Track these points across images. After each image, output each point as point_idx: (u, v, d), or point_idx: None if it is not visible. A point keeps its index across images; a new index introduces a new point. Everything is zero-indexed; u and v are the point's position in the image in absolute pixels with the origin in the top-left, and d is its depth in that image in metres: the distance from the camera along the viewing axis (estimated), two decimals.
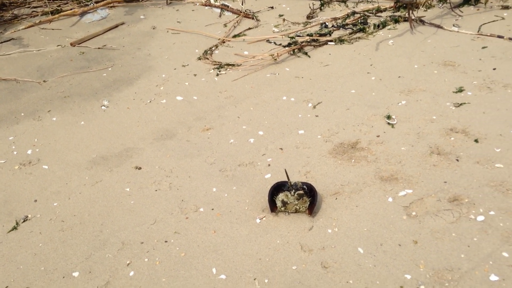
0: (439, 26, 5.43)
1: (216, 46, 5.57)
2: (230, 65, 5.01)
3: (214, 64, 5.06)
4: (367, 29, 5.57)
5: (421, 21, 5.58)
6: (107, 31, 6.31)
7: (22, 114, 4.32)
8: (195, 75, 4.88)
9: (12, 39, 6.09)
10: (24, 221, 3.00)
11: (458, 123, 3.57)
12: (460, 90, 4.01)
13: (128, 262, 2.63)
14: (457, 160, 3.18)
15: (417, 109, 3.83)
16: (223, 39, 5.71)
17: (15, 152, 3.73)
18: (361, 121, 3.75)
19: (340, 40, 5.36)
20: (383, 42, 5.23)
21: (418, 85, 4.19)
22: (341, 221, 2.79)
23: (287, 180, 2.92)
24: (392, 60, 4.75)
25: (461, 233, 2.61)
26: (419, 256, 2.50)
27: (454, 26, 5.41)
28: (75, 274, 2.58)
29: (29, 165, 3.57)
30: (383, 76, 4.44)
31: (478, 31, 5.18)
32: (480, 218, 2.69)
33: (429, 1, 6.04)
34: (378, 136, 3.54)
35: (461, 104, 3.81)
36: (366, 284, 2.37)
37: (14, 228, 2.95)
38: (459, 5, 5.95)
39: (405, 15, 5.77)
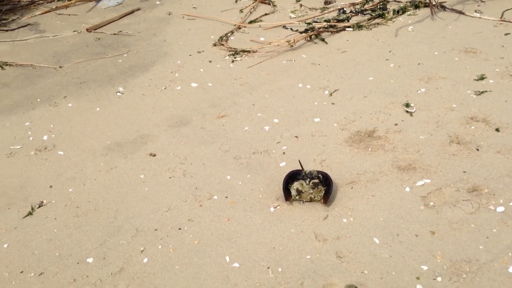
0: (460, 12, 5.28)
1: (232, 32, 5.50)
2: (246, 51, 4.95)
3: (230, 51, 5.01)
4: (386, 15, 5.45)
5: (442, 6, 5.43)
6: (122, 17, 6.29)
7: (38, 99, 4.34)
8: (210, 61, 4.84)
9: (28, 24, 6.11)
10: (39, 207, 3.02)
11: (479, 111, 3.48)
12: (482, 78, 3.90)
13: (142, 249, 2.63)
14: (477, 149, 3.10)
15: (437, 97, 3.73)
16: (239, 25, 5.64)
17: (31, 138, 3.75)
18: (378, 109, 3.67)
19: (358, 26, 5.26)
20: (403, 28, 5.11)
21: (438, 73, 4.09)
22: (357, 210, 2.74)
23: (301, 168, 2.88)
24: (411, 47, 4.64)
25: (480, 224, 2.55)
26: (436, 247, 2.45)
27: (476, 12, 5.26)
28: (89, 260, 2.59)
29: (45, 151, 3.58)
30: (402, 63, 4.35)
31: (501, 17, 5.02)
32: (500, 209, 2.62)
33: None
34: (396, 124, 3.46)
35: (482, 92, 3.71)
36: (382, 274, 2.33)
37: (30, 213, 2.97)
38: None
39: (425, 0, 5.61)
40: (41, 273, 2.52)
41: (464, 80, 3.92)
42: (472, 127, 3.32)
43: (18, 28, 6.01)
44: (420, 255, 2.41)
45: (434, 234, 2.52)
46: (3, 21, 6.19)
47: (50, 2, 6.85)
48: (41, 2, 6.84)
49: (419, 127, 3.40)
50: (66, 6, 6.61)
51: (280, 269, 2.42)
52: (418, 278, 2.30)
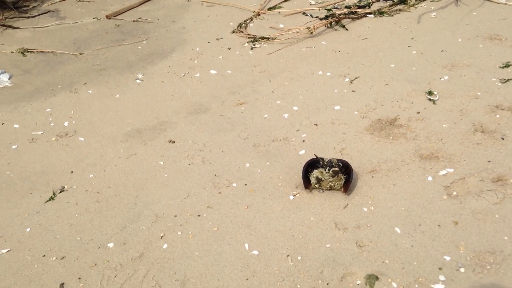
0: None
1: (251, 19, 5.46)
2: (265, 38, 4.90)
3: (249, 38, 4.96)
4: (408, 1, 5.33)
5: None
6: (142, 3, 6.29)
7: (59, 86, 4.37)
8: (229, 48, 4.81)
9: (49, 11, 6.15)
10: (61, 192, 3.05)
11: (504, 99, 3.39)
12: (507, 65, 3.80)
13: (161, 235, 2.64)
14: (503, 138, 3.03)
15: (461, 84, 3.65)
16: (258, 12, 5.59)
17: (52, 124, 3.79)
18: (400, 96, 3.61)
19: (380, 13, 5.16)
20: (426, 14, 4.99)
21: (462, 60, 3.99)
22: (378, 199, 2.71)
23: (319, 158, 2.85)
24: (434, 34, 4.54)
25: (504, 215, 2.49)
26: (460, 237, 2.40)
27: None
28: (110, 245, 2.61)
29: (66, 137, 3.61)
30: (424, 50, 4.25)
31: None
32: None
33: None
34: (418, 112, 3.40)
35: (507, 80, 3.61)
36: (403, 264, 2.30)
37: (51, 198, 3.00)
38: None
39: None
40: (63, 257, 2.55)
41: (489, 67, 3.82)
42: (497, 116, 3.24)
43: (39, 15, 6.05)
44: (442, 245, 2.37)
45: (457, 224, 2.47)
46: (24, 8, 6.24)
47: None
48: None
49: (442, 115, 3.33)
50: None
51: (299, 258, 2.41)
52: (440, 268, 2.26)
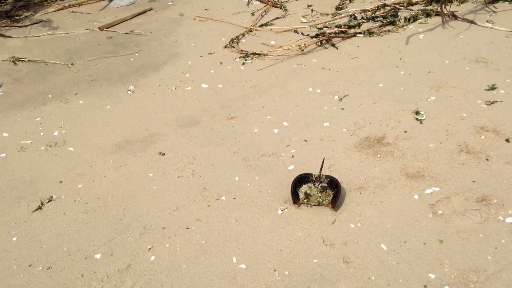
0: (472, 22, 5.28)
1: (243, 34, 5.53)
2: (257, 54, 4.97)
3: (240, 53, 5.03)
4: (397, 22, 5.46)
5: (453, 15, 5.43)
6: (135, 16, 6.33)
7: (50, 95, 4.37)
8: (221, 63, 4.86)
9: (41, 21, 6.16)
10: (48, 202, 3.04)
11: (489, 121, 3.48)
12: (492, 88, 3.90)
13: (149, 247, 2.64)
14: (487, 159, 3.10)
15: (447, 105, 3.73)
16: (250, 28, 5.66)
17: (41, 133, 3.78)
18: (388, 115, 3.68)
19: (369, 33, 5.27)
20: (414, 36, 5.11)
21: (448, 81, 4.09)
22: (365, 216, 2.74)
23: (320, 168, 2.86)
24: (422, 55, 4.64)
25: (488, 234, 2.54)
26: (444, 255, 2.44)
27: (488, 22, 5.26)
28: (97, 256, 2.60)
29: (55, 147, 3.61)
30: (412, 70, 4.35)
31: None
32: (509, 220, 2.61)
33: None
34: (405, 131, 3.46)
35: (492, 102, 3.70)
36: (389, 281, 2.33)
37: (39, 208, 2.99)
38: (493, 1, 5.77)
39: (437, 9, 5.62)
40: (49, 267, 2.54)
41: (475, 89, 3.91)
42: (482, 137, 3.31)
43: (31, 24, 6.06)
44: (427, 263, 2.41)
45: (442, 243, 2.52)
46: (17, 17, 6.25)
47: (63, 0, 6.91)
48: None
49: (429, 135, 3.40)
50: (79, 4, 6.66)
51: (286, 272, 2.43)
52: (425, 286, 2.29)
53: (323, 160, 2.90)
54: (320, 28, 5.43)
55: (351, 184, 3.01)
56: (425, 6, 5.85)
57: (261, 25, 5.79)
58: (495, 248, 2.46)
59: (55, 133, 3.77)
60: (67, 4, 6.63)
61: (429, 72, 4.29)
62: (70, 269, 2.52)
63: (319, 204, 2.83)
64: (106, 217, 2.88)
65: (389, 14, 5.69)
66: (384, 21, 5.52)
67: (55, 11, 6.49)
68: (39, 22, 6.13)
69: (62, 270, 2.52)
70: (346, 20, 5.70)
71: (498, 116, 3.52)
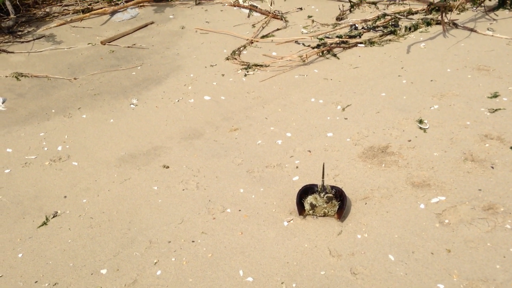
0: (472, 30, 5.30)
1: (244, 46, 5.55)
2: (258, 65, 4.99)
3: (242, 65, 5.04)
4: (398, 32, 5.48)
5: (454, 24, 5.45)
6: (136, 30, 6.37)
7: (53, 110, 4.38)
8: (223, 75, 4.87)
9: (44, 36, 6.20)
10: (53, 217, 3.03)
11: (493, 129, 3.47)
12: (495, 96, 3.90)
13: (155, 261, 2.63)
14: (492, 167, 3.09)
15: (450, 114, 3.73)
16: (251, 40, 5.69)
17: (45, 148, 3.78)
18: (391, 124, 3.68)
19: (370, 42, 5.28)
20: (415, 45, 5.13)
21: (451, 90, 4.09)
22: (371, 226, 2.73)
23: (322, 175, 2.84)
24: (424, 64, 4.65)
25: (496, 243, 2.53)
26: (453, 265, 2.43)
27: (488, 30, 5.28)
28: (103, 271, 2.59)
29: (59, 161, 3.61)
30: (414, 79, 4.35)
31: None
32: None
33: (462, 4, 5.90)
34: (409, 140, 3.46)
35: (496, 110, 3.70)
36: None
37: (44, 223, 2.98)
38: (493, 9, 5.80)
39: (437, 18, 5.65)
40: (55, 283, 2.53)
41: (478, 97, 3.92)
42: (487, 145, 3.31)
43: (34, 39, 6.09)
44: (436, 273, 2.39)
45: (450, 252, 2.50)
46: (19, 33, 6.29)
47: (65, 14, 6.96)
48: (56, 14, 6.95)
49: (433, 143, 3.39)
50: (81, 19, 6.70)
51: (294, 285, 2.41)
52: None
53: (323, 165, 2.87)
54: (321, 39, 5.45)
55: (357, 194, 3.00)
56: (425, 15, 5.87)
57: (262, 37, 5.82)
58: (503, 257, 2.44)
59: (59, 148, 3.77)
60: (69, 19, 6.67)
61: (431, 80, 4.29)
62: (77, 285, 2.51)
63: (325, 215, 2.81)
64: (112, 232, 2.87)
65: (390, 23, 5.72)
66: (385, 31, 5.54)
67: (57, 26, 6.53)
68: (42, 37, 6.17)
69: (69, 286, 2.51)
70: (347, 30, 5.72)
71: (502, 124, 3.52)
